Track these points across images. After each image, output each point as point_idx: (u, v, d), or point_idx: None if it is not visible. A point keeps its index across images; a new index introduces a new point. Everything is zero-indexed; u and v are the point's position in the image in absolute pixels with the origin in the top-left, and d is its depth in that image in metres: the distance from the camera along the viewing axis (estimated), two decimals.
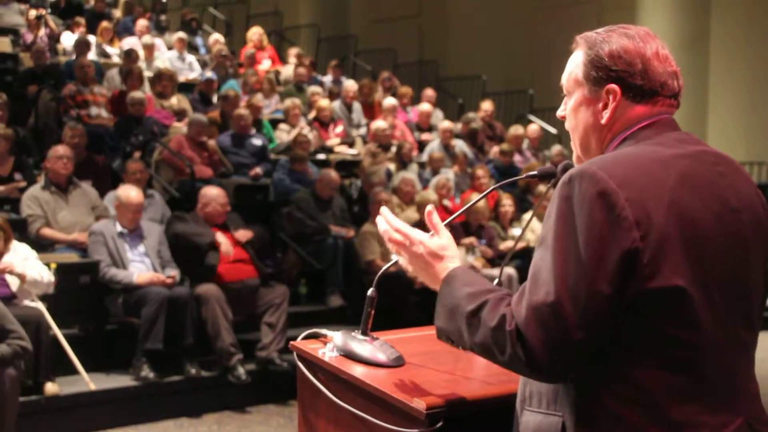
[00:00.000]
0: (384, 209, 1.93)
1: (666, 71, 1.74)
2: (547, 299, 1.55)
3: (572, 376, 1.63)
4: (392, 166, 9.82)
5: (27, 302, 5.63)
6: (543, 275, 1.58)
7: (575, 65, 1.80)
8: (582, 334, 1.54)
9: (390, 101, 11.58)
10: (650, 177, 1.60)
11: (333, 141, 10.67)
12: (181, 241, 6.70)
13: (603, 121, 1.76)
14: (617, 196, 1.55)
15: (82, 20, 11.89)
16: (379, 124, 10.62)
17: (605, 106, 1.75)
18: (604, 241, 1.54)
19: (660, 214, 1.57)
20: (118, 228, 6.45)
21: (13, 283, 5.59)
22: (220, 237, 6.76)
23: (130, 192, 6.55)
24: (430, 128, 11.92)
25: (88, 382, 5.79)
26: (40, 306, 5.61)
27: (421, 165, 10.39)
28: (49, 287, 5.73)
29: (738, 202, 1.68)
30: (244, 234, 6.91)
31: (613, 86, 1.73)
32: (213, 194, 6.96)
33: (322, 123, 10.83)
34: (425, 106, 12.14)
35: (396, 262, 1.95)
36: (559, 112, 1.87)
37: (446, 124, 11.23)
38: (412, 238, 1.84)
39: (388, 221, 1.88)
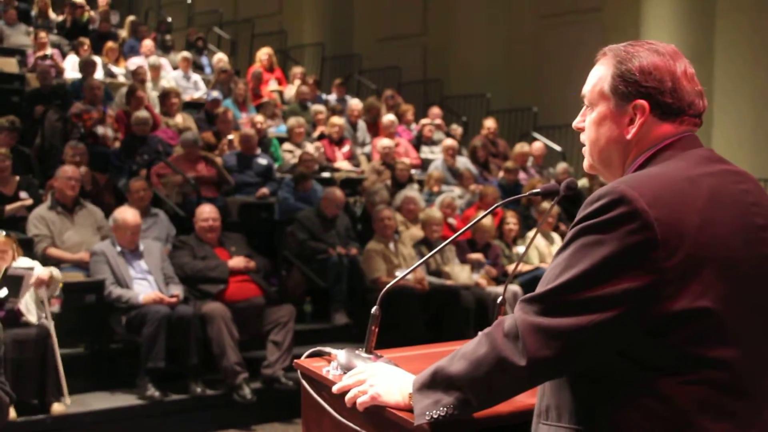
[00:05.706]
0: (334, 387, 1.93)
1: (693, 90, 1.75)
2: (552, 297, 1.60)
3: (571, 375, 1.65)
4: (388, 182, 9.83)
5: (32, 319, 5.61)
6: (554, 278, 1.61)
7: (600, 78, 1.79)
8: (576, 337, 1.57)
9: (389, 117, 11.55)
10: (681, 197, 1.60)
11: (340, 163, 10.67)
12: (191, 277, 6.69)
13: (629, 137, 1.75)
14: (647, 215, 1.55)
15: (86, 40, 11.93)
16: (385, 142, 10.62)
17: (631, 122, 1.74)
18: (626, 259, 1.55)
19: (690, 235, 1.57)
20: (118, 248, 6.46)
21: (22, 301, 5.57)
22: (231, 262, 6.77)
23: (126, 214, 6.54)
24: (434, 143, 11.93)
25: (66, 396, 5.67)
26: (50, 324, 5.59)
27: (422, 183, 10.40)
28: (59, 282, 5.74)
29: (763, 219, 1.68)
30: (238, 262, 6.82)
31: (642, 102, 1.73)
32: (203, 214, 6.95)
33: (332, 140, 10.83)
34: (426, 122, 12.17)
35: (401, 278, 1.94)
36: (577, 123, 1.86)
37: (449, 141, 11.24)
38: (359, 381, 1.88)
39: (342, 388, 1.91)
